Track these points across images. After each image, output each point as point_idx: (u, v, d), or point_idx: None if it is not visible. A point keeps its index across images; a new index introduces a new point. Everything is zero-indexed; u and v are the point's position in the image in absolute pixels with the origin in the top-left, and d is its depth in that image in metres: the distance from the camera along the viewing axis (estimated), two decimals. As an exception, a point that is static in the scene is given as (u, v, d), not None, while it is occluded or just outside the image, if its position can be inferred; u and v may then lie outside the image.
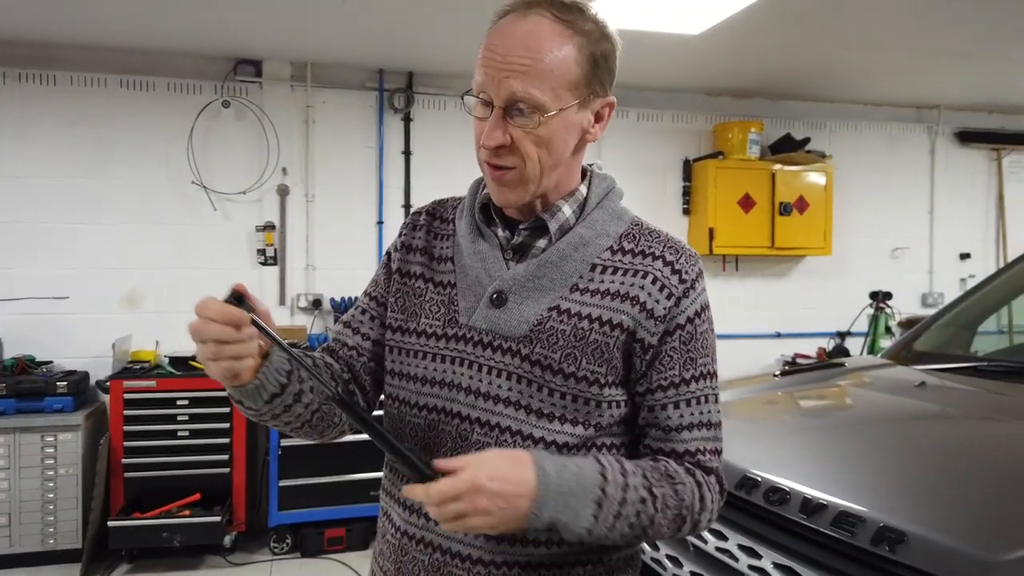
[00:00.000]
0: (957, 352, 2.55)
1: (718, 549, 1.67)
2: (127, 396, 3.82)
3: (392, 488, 1.16)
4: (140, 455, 3.82)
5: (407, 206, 4.60)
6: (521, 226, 1.11)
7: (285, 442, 3.91)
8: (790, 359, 5.03)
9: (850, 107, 5.39)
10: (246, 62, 4.34)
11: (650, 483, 1.01)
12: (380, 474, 0.96)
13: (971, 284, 5.08)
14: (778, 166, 4.94)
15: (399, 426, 1.15)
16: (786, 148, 4.99)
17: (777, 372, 2.61)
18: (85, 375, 4.00)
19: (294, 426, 1.10)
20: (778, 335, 5.24)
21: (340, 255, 4.52)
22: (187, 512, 3.76)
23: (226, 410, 3.91)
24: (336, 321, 4.33)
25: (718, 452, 1.10)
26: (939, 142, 5.57)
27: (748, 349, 5.11)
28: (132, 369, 3.99)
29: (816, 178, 5.01)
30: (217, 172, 4.32)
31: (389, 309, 1.18)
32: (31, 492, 3.73)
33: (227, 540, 3.86)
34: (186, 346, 4.22)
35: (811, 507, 1.50)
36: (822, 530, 1.45)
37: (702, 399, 1.08)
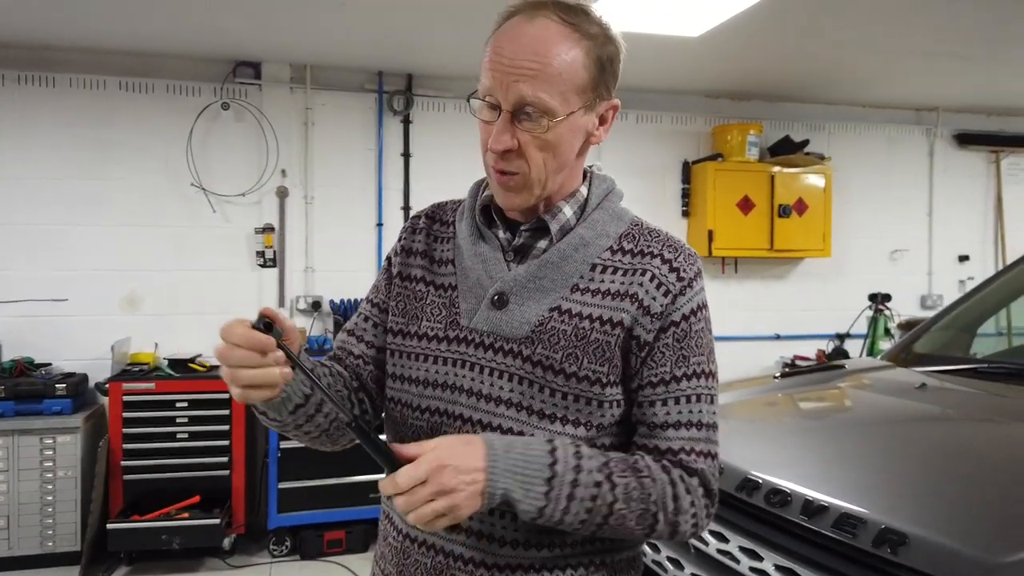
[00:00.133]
0: (957, 354, 2.55)
1: (719, 551, 1.67)
2: (126, 398, 3.81)
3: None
4: (139, 457, 3.82)
5: (406, 208, 4.60)
6: (522, 227, 1.11)
7: (284, 444, 3.91)
8: (789, 361, 5.03)
9: (849, 109, 5.39)
10: (245, 64, 4.34)
11: (611, 471, 0.99)
12: (380, 477, 0.96)
13: (970, 286, 5.08)
14: (777, 168, 4.95)
15: (401, 429, 1.15)
16: (785, 150, 5.00)
17: (777, 374, 2.61)
18: (84, 377, 3.99)
19: (313, 435, 1.11)
20: (777, 337, 5.24)
21: (339, 257, 4.52)
22: (186, 514, 3.76)
23: (225, 412, 3.91)
24: (334, 323, 4.34)
25: (708, 455, 1.06)
26: (938, 144, 5.57)
27: (747, 351, 5.11)
28: (131, 371, 3.99)
29: (815, 180, 5.02)
30: (216, 174, 4.32)
31: (390, 313, 1.18)
32: (30, 494, 3.72)
33: (226, 542, 3.85)
34: (185, 348, 4.22)
35: (812, 509, 1.50)
36: (823, 532, 1.45)
37: (692, 398, 1.06)
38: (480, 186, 1.18)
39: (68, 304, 4.15)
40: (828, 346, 5.11)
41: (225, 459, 3.92)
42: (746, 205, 4.90)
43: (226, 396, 3.91)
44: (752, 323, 5.18)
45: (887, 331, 4.71)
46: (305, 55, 4.27)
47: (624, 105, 1.12)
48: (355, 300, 4.44)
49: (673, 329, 1.06)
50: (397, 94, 4.54)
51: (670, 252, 1.08)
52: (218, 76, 4.30)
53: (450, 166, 4.55)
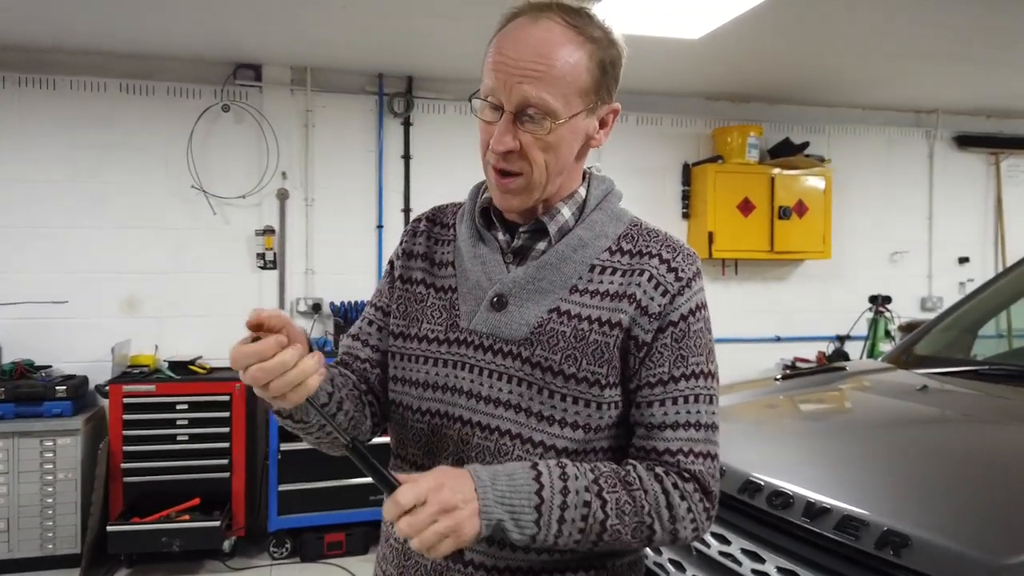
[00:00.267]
0: (958, 356, 2.55)
1: (721, 553, 1.67)
2: (126, 400, 3.81)
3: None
4: (139, 459, 3.81)
5: (407, 210, 4.60)
6: (521, 229, 1.11)
7: (285, 446, 3.91)
8: (790, 363, 5.03)
9: (849, 111, 5.40)
10: (246, 66, 4.34)
11: (600, 488, 0.99)
12: (371, 479, 0.96)
13: (970, 288, 5.10)
14: (777, 170, 4.95)
15: (401, 432, 1.16)
16: (785, 152, 5.00)
17: (778, 376, 2.61)
18: (84, 379, 3.99)
19: (334, 435, 1.09)
20: (777, 339, 5.24)
21: (340, 259, 4.52)
22: (186, 517, 3.75)
23: (225, 414, 3.91)
24: (334, 325, 4.34)
25: (707, 455, 1.06)
26: (937, 146, 5.58)
27: (747, 353, 5.11)
28: (131, 373, 3.99)
29: (815, 182, 5.02)
30: (217, 176, 4.32)
31: (392, 316, 1.18)
32: (30, 497, 3.72)
33: (226, 545, 3.84)
34: (185, 350, 4.22)
35: (814, 511, 1.49)
36: (826, 534, 1.44)
37: (691, 398, 1.06)
38: (479, 188, 1.18)
39: (68, 306, 4.14)
40: (828, 348, 5.11)
41: (225, 461, 3.91)
42: (746, 207, 4.90)
43: (226, 398, 3.91)
44: (752, 325, 5.18)
45: (887, 333, 4.71)
46: (306, 57, 4.27)
47: (625, 107, 1.12)
48: (355, 302, 4.44)
49: (671, 329, 1.06)
50: (397, 96, 4.54)
51: (668, 252, 1.08)
52: (218, 78, 4.30)
53: (450, 168, 4.55)
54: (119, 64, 4.19)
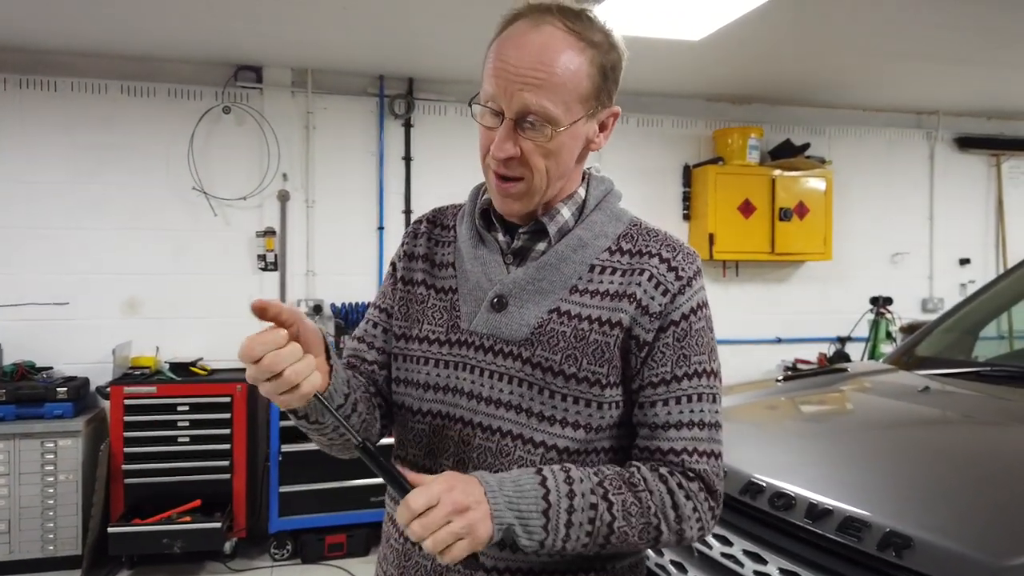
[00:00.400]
0: (960, 357, 2.55)
1: (723, 555, 1.67)
2: (127, 402, 3.81)
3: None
4: (140, 461, 3.81)
5: (408, 212, 4.60)
6: (521, 230, 1.11)
7: (286, 448, 3.91)
8: (791, 364, 5.03)
9: (849, 113, 5.40)
10: (247, 68, 4.34)
11: (605, 490, 0.99)
12: (381, 480, 0.96)
13: (971, 289, 5.10)
14: (778, 171, 4.95)
15: (403, 432, 1.16)
16: (786, 153, 5.00)
17: (779, 377, 2.61)
18: (85, 381, 3.99)
19: (347, 437, 1.09)
20: (778, 340, 5.24)
21: (340, 261, 4.52)
22: (187, 518, 3.75)
23: (226, 416, 3.91)
24: (335, 326, 4.34)
25: (711, 454, 1.06)
26: (938, 148, 5.58)
27: (748, 354, 5.11)
28: (132, 375, 3.98)
29: (816, 183, 5.02)
30: (218, 178, 4.32)
31: (394, 317, 1.18)
32: (31, 498, 3.71)
33: (227, 546, 3.84)
34: (186, 352, 4.22)
35: (816, 512, 1.49)
36: (828, 535, 1.44)
37: (694, 397, 1.06)
38: (480, 190, 1.18)
39: (69, 308, 4.14)
40: (829, 349, 5.11)
41: (226, 463, 3.91)
42: (747, 208, 4.90)
43: (227, 399, 3.91)
44: (753, 326, 5.18)
45: (888, 334, 4.71)
46: (306, 59, 4.27)
47: (625, 109, 1.12)
48: (356, 303, 4.44)
49: (673, 328, 1.06)
50: (398, 98, 4.55)
51: (668, 251, 1.08)
52: (219, 80, 4.30)
53: (451, 170, 4.55)
54: (120, 66, 4.20)
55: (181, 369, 4.08)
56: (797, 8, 3.43)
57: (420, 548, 1.09)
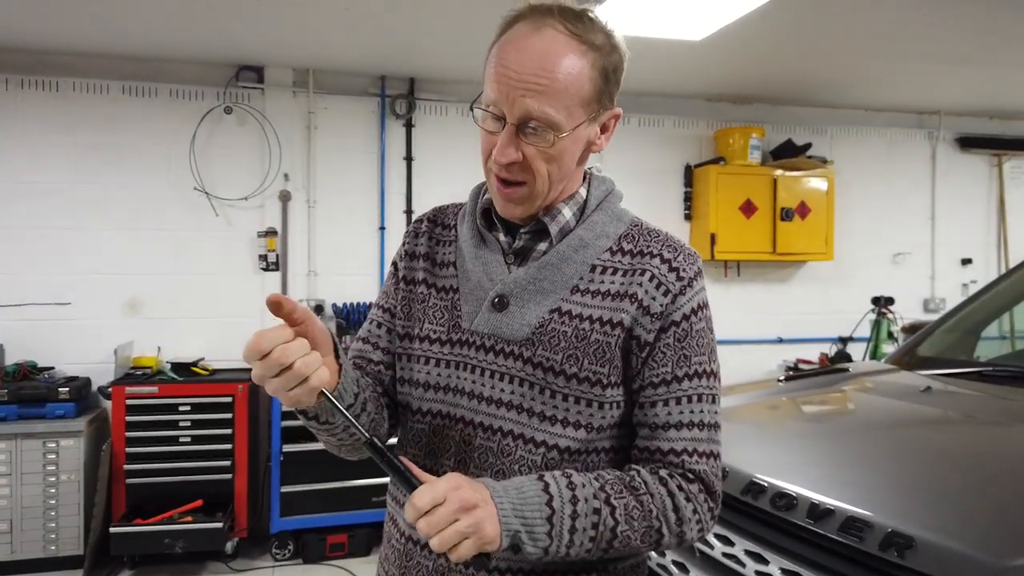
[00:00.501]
0: (961, 357, 2.55)
1: (725, 555, 1.67)
2: (129, 402, 3.81)
3: (399, 494, 1.16)
4: (142, 461, 3.82)
5: (409, 212, 4.61)
6: (522, 230, 1.11)
7: (287, 448, 3.91)
8: (792, 364, 5.03)
9: (851, 113, 5.39)
10: (248, 68, 4.34)
11: (607, 495, 0.99)
12: (382, 480, 0.96)
13: (973, 289, 5.09)
14: (779, 171, 4.95)
15: (404, 432, 1.16)
16: (787, 153, 5.00)
17: (781, 377, 2.61)
18: (87, 381, 3.99)
19: (356, 437, 1.09)
20: (780, 340, 5.24)
21: (342, 261, 4.53)
22: (189, 518, 3.75)
23: (228, 416, 3.91)
24: (336, 327, 4.34)
25: (710, 455, 1.06)
26: (940, 147, 5.58)
27: (750, 354, 5.11)
28: (134, 375, 3.99)
29: (817, 183, 5.02)
30: (219, 178, 4.32)
31: (397, 317, 1.18)
32: (32, 498, 3.72)
33: (229, 546, 3.85)
34: (188, 352, 4.22)
35: (818, 512, 1.49)
36: (830, 535, 1.44)
37: (694, 398, 1.06)
38: (480, 189, 1.18)
39: (71, 308, 4.15)
40: (831, 349, 5.10)
41: (228, 463, 3.91)
42: (748, 208, 4.90)
43: (229, 399, 3.91)
44: (754, 326, 5.18)
45: (890, 334, 4.70)
46: (308, 59, 4.28)
47: (626, 109, 1.12)
48: (357, 304, 4.44)
49: (674, 329, 1.06)
50: (399, 98, 4.55)
51: (669, 252, 1.08)
52: (221, 80, 4.31)
53: (452, 170, 4.55)
54: (122, 66, 4.20)
55: (183, 369, 4.09)
56: (798, 8, 3.42)
57: (421, 548, 1.09)
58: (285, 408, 3.86)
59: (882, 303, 4.82)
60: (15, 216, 4.09)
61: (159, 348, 4.21)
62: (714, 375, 1.09)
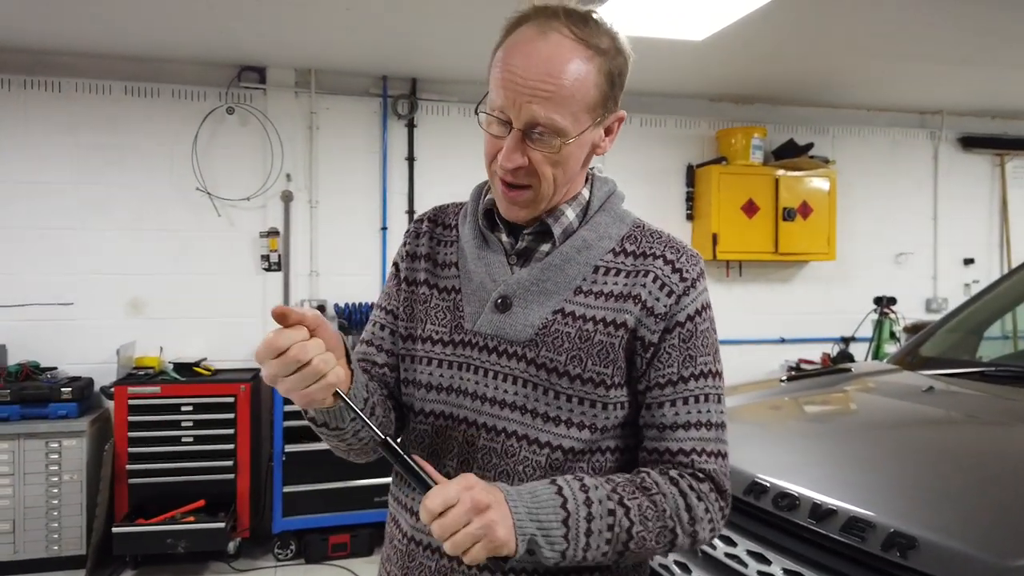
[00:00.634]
0: (964, 357, 2.54)
1: (727, 555, 1.67)
2: (131, 402, 3.82)
3: (400, 494, 1.16)
4: (144, 461, 3.82)
5: (411, 212, 4.61)
6: (525, 231, 1.11)
7: (289, 448, 3.92)
8: (794, 364, 5.02)
9: (853, 112, 5.39)
10: (250, 69, 4.35)
11: (620, 496, 0.99)
12: (384, 480, 0.96)
13: (975, 289, 5.09)
14: (781, 171, 4.94)
15: (407, 433, 1.16)
16: (789, 153, 4.99)
17: (783, 377, 2.61)
18: (89, 381, 4.00)
19: (364, 442, 1.09)
20: (782, 340, 5.23)
21: (344, 261, 4.53)
22: (191, 518, 3.75)
23: (230, 416, 3.92)
24: (339, 327, 4.34)
25: (719, 454, 1.07)
26: (942, 147, 5.57)
27: (752, 354, 5.10)
28: (136, 375, 3.99)
29: (819, 183, 5.02)
30: (221, 178, 4.33)
31: (399, 319, 1.18)
32: (35, 498, 3.72)
33: (231, 546, 3.85)
34: (190, 352, 4.23)
35: (821, 513, 1.49)
36: (832, 536, 1.44)
37: (701, 398, 1.06)
38: (482, 189, 1.18)
39: (73, 308, 4.15)
40: (833, 350, 5.10)
41: (230, 463, 3.92)
42: (750, 208, 4.90)
43: (231, 399, 3.92)
44: (756, 326, 5.17)
45: (892, 335, 4.70)
46: (310, 59, 4.28)
47: (628, 109, 1.12)
48: (359, 304, 4.44)
49: (679, 330, 1.06)
50: (401, 98, 4.55)
51: (672, 253, 1.09)
52: (223, 80, 4.31)
53: (454, 170, 4.55)
54: (124, 66, 4.20)
55: (185, 369, 4.09)
56: (800, 8, 3.42)
57: (424, 549, 1.09)
58: (287, 408, 3.90)
59: (884, 303, 4.82)
60: (18, 216, 4.10)
61: (161, 348, 4.21)
62: (719, 375, 1.09)
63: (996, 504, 1.45)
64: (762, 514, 1.62)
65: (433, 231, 1.21)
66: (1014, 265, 5.16)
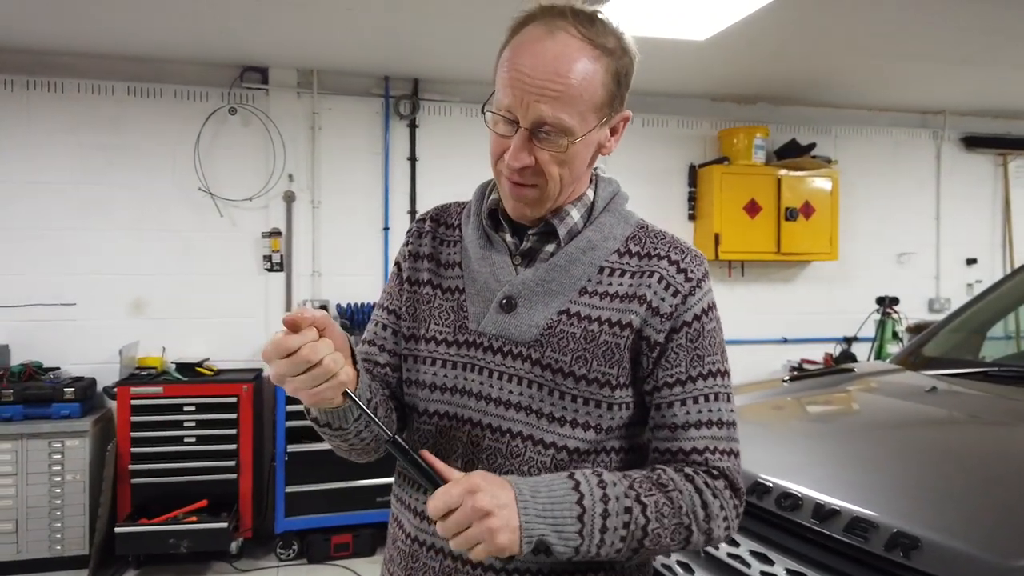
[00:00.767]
0: (967, 357, 2.54)
1: (730, 555, 1.67)
2: (134, 402, 3.82)
3: (403, 494, 1.16)
4: (147, 461, 3.83)
5: (413, 212, 4.61)
6: (530, 231, 1.11)
7: (292, 448, 3.92)
8: (797, 365, 5.02)
9: (855, 112, 5.38)
10: (252, 69, 4.35)
11: (637, 492, 0.99)
12: (387, 480, 0.96)
13: (978, 289, 5.08)
14: (784, 171, 4.94)
15: (411, 434, 1.16)
16: (791, 153, 4.99)
17: (786, 377, 2.61)
18: (92, 381, 4.00)
19: (367, 441, 1.10)
20: (784, 341, 5.23)
21: (346, 261, 4.53)
22: (194, 518, 3.76)
23: (233, 416, 3.92)
24: (341, 327, 4.34)
25: (731, 452, 1.07)
26: (945, 147, 5.56)
27: (754, 355, 5.10)
28: (139, 375, 4.00)
29: (822, 183, 5.01)
30: (223, 179, 4.33)
31: (402, 319, 1.18)
32: (38, 498, 3.73)
33: (234, 546, 3.85)
34: (193, 352, 4.23)
35: (823, 513, 1.49)
36: (835, 536, 1.44)
37: (711, 397, 1.07)
38: (485, 189, 1.18)
39: (76, 308, 4.16)
40: (835, 350, 5.10)
41: (232, 463, 3.92)
42: (753, 208, 4.89)
43: (233, 399, 3.92)
44: (758, 326, 5.17)
45: (895, 335, 4.70)
46: (312, 60, 4.28)
47: (630, 108, 1.12)
48: (362, 304, 4.44)
49: (686, 330, 1.06)
50: (403, 98, 4.55)
51: (677, 254, 1.09)
52: (225, 81, 4.31)
53: (456, 170, 4.55)
54: (126, 67, 4.21)
55: (187, 369, 4.09)
56: (802, 8, 3.42)
57: (427, 549, 1.10)
58: (290, 408, 3.91)
59: (887, 303, 4.81)
60: (20, 217, 4.10)
61: (164, 348, 4.21)
62: (727, 373, 1.10)
63: (999, 504, 1.45)
64: (765, 514, 1.62)
65: (435, 231, 1.21)
66: (1017, 265, 5.15)
